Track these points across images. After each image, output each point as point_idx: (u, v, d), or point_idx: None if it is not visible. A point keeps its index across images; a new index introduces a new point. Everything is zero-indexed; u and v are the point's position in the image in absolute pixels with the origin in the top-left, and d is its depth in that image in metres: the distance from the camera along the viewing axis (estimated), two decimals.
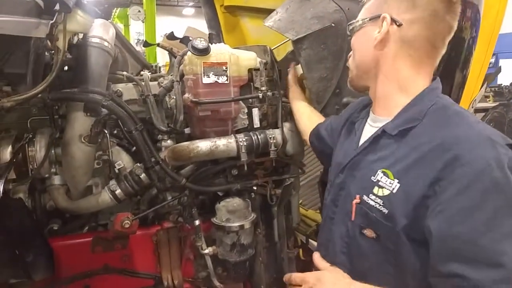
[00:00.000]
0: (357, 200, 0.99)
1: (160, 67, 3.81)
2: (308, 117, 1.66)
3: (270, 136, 1.74)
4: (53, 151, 1.64)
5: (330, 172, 1.25)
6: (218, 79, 1.67)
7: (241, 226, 1.72)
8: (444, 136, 0.85)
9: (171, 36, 5.45)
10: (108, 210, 1.78)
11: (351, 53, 1.12)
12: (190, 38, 5.00)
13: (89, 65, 1.61)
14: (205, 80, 1.65)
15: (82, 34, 1.64)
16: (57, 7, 1.19)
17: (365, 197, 0.97)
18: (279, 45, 2.37)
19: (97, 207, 1.70)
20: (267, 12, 3.42)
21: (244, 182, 1.80)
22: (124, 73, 1.94)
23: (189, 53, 1.68)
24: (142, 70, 2.66)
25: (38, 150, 1.59)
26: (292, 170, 1.93)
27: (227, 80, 1.68)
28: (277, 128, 1.80)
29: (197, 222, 1.74)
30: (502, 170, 0.77)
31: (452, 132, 0.86)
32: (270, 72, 1.82)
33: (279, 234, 1.96)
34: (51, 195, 1.68)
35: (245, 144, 1.69)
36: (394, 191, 0.89)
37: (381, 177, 0.93)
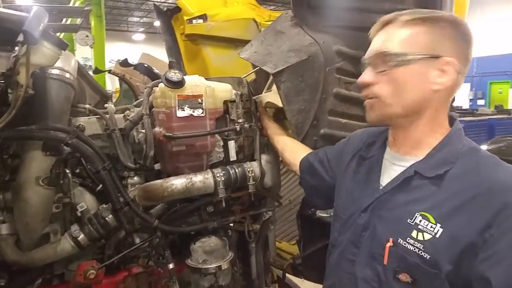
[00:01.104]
0: (390, 244, 0.94)
1: (111, 95, 3.67)
2: (291, 149, 1.61)
3: (248, 169, 1.67)
4: (0, 196, 1.45)
5: (339, 208, 1.18)
6: (194, 112, 1.58)
7: (219, 267, 1.60)
8: (490, 181, 0.84)
9: (124, 63, 5.31)
10: (67, 257, 1.60)
11: (378, 86, 0.99)
12: (145, 65, 4.88)
13: (49, 99, 1.46)
14: (180, 113, 1.56)
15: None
16: (20, 37, 1.06)
17: (401, 241, 0.92)
18: (245, 76, 2.34)
19: (56, 257, 1.52)
20: (228, 41, 3.45)
21: (221, 220, 1.70)
22: (87, 106, 1.81)
23: (161, 85, 1.58)
24: (101, 101, 2.52)
25: None
26: (269, 203, 1.86)
27: (202, 112, 1.60)
28: (254, 160, 1.74)
29: (171, 266, 1.60)
30: None
31: (496, 177, 0.85)
32: (247, 104, 1.76)
33: (257, 271, 1.86)
34: None
35: (222, 179, 1.60)
36: (437, 235, 0.86)
37: (420, 221, 0.90)
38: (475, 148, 0.95)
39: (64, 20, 7.93)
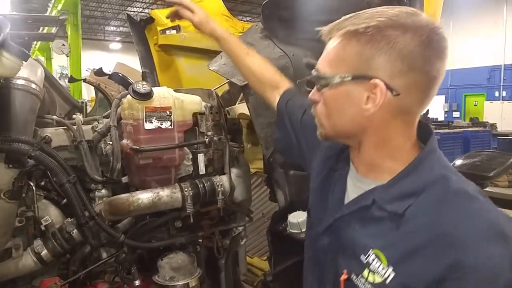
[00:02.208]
0: (344, 276, 0.84)
1: (86, 103, 3.61)
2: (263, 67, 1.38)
3: (217, 183, 1.66)
4: None
5: (310, 211, 1.08)
6: (162, 124, 1.57)
7: (187, 285, 1.57)
8: (445, 225, 0.72)
9: (99, 72, 5.23)
10: (29, 273, 1.55)
11: (319, 105, 0.89)
12: (120, 74, 4.85)
13: (13, 110, 1.43)
14: (147, 125, 1.54)
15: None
16: None
17: (354, 277, 0.82)
18: (218, 87, 2.34)
19: (17, 273, 1.47)
20: (202, 52, 3.46)
21: (189, 235, 1.68)
22: (54, 116, 1.78)
23: (129, 96, 1.56)
24: (71, 111, 2.48)
25: None
26: (239, 218, 1.85)
27: (171, 125, 1.58)
28: (224, 174, 1.72)
29: (137, 283, 1.56)
30: None
31: (454, 220, 0.72)
32: (216, 116, 1.75)
33: None
34: None
35: (191, 193, 1.58)
36: (387, 281, 0.76)
37: (373, 260, 0.79)
38: (446, 177, 0.78)
39: (41, 29, 7.79)
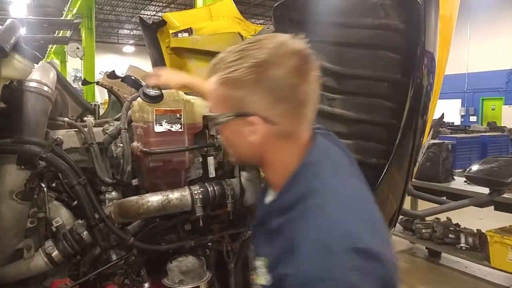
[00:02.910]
0: (252, 277, 0.92)
1: (99, 105, 3.64)
2: None
3: (227, 186, 1.65)
4: None
5: None
6: (172, 127, 1.57)
7: None
8: (291, 237, 0.76)
9: (112, 75, 5.28)
10: (41, 274, 1.56)
11: (221, 137, 1.00)
12: (132, 77, 4.89)
13: (25, 112, 1.44)
14: (157, 128, 1.54)
15: None
16: None
17: (254, 277, 0.90)
18: None
19: (29, 273, 1.48)
20: (214, 55, 3.44)
21: (199, 238, 1.67)
22: (66, 119, 1.79)
23: (139, 99, 1.57)
24: (83, 113, 2.50)
25: None
26: (249, 222, 1.83)
27: (181, 128, 1.58)
28: (234, 177, 1.72)
29: (146, 285, 1.57)
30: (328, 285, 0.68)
31: (295, 234, 0.76)
32: None
33: None
34: None
35: (200, 197, 1.57)
36: (267, 285, 0.82)
37: (260, 265, 0.86)
38: (307, 194, 0.82)
39: (56, 32, 7.95)
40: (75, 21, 6.26)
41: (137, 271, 1.60)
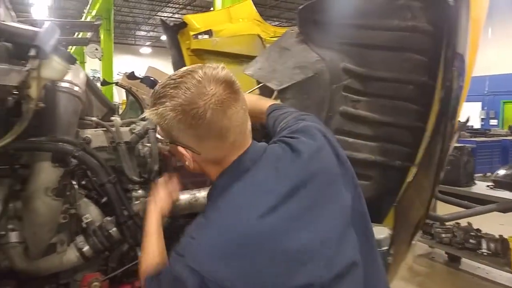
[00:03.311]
0: None
1: (118, 106, 3.70)
2: None
3: None
4: (11, 205, 1.47)
5: None
6: None
7: None
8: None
9: (131, 76, 5.37)
10: (72, 268, 1.61)
11: None
12: (151, 78, 4.93)
13: (58, 112, 1.49)
14: None
15: None
16: (32, 52, 1.09)
17: None
18: (250, 91, 2.36)
19: (61, 267, 1.53)
20: (233, 56, 3.49)
21: None
22: (93, 118, 1.83)
23: None
24: (108, 113, 2.55)
25: None
26: None
27: None
28: None
29: None
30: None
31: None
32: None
33: None
34: (6, 254, 1.49)
35: None
36: None
37: None
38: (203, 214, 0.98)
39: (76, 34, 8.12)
40: (95, 23, 6.37)
41: None
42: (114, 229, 1.58)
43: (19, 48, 1.11)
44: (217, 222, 0.92)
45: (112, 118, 1.87)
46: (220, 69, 0.96)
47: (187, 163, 1.02)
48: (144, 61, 20.04)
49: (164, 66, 7.88)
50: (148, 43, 24.37)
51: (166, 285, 0.95)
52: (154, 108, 0.95)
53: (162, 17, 18.26)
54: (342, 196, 1.02)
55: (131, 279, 1.69)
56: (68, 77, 1.56)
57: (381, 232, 1.41)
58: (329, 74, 1.64)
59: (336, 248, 0.92)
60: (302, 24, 1.73)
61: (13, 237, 1.48)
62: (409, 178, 1.63)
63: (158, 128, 1.09)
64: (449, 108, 1.42)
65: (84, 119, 1.83)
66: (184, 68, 0.98)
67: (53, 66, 1.18)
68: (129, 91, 5.30)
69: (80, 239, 1.55)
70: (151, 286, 1.02)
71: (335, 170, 1.04)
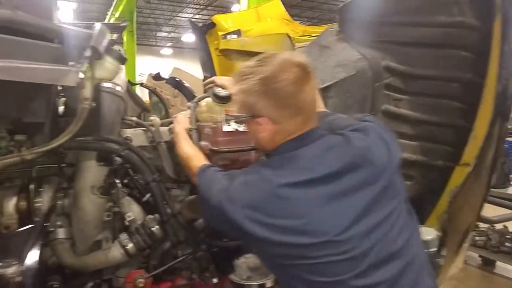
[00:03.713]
0: None
1: None
2: None
3: None
4: (60, 202, 1.50)
5: None
6: (239, 127, 1.60)
7: (263, 285, 1.58)
8: None
9: (157, 77, 5.42)
10: (116, 264, 1.63)
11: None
12: (176, 79, 4.94)
13: (102, 111, 1.51)
14: (226, 128, 1.57)
15: None
16: (87, 53, 1.11)
17: None
18: None
19: (106, 263, 1.55)
20: None
21: None
22: (133, 118, 1.86)
23: (208, 100, 1.61)
24: (141, 113, 2.58)
25: (46, 201, 1.45)
26: None
27: None
28: None
29: (215, 280, 1.60)
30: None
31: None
32: None
33: None
34: (54, 250, 1.52)
35: None
36: None
37: None
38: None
39: None
40: (121, 24, 6.46)
41: (206, 266, 1.64)
42: (157, 227, 1.59)
43: (77, 49, 1.13)
44: (261, 172, 1.09)
45: (151, 117, 1.89)
46: (297, 54, 1.13)
47: (262, 134, 1.13)
48: (165, 62, 20.25)
49: (185, 66, 7.95)
50: (169, 44, 24.61)
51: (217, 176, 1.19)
52: (240, 85, 1.11)
53: (182, 18, 18.42)
54: (375, 194, 1.07)
55: (171, 276, 1.71)
56: None
57: (428, 233, 1.38)
58: (371, 72, 1.62)
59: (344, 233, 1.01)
60: (343, 22, 1.71)
61: (61, 233, 1.51)
62: (458, 182, 1.59)
63: (236, 107, 1.21)
64: (505, 108, 1.37)
65: (125, 119, 1.85)
66: (264, 54, 1.14)
67: (106, 66, 1.20)
68: (153, 92, 5.35)
69: (124, 236, 1.57)
70: (207, 171, 1.25)
71: (381, 171, 1.09)
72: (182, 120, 1.60)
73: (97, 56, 1.12)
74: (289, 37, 3.38)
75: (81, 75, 1.08)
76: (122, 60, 1.25)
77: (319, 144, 1.11)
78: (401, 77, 1.66)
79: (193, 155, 1.41)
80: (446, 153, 1.71)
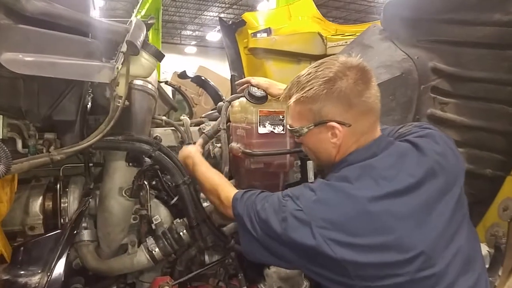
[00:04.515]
0: None
1: None
2: None
3: None
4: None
5: None
6: (274, 129, 1.51)
7: None
8: None
9: (183, 75, 5.40)
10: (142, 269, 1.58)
11: (304, 147, 1.19)
12: (202, 77, 4.90)
13: (133, 110, 1.45)
14: (260, 130, 1.49)
15: None
16: (123, 48, 1.04)
17: None
18: None
19: (132, 268, 1.50)
20: (292, 55, 3.40)
21: None
22: (163, 117, 1.80)
23: (242, 99, 1.53)
24: (169, 111, 2.53)
25: (72, 201, 1.40)
26: None
27: (283, 130, 1.52)
28: None
29: None
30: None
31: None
32: None
33: None
34: (78, 252, 1.47)
35: None
36: None
37: None
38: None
39: None
40: (149, 22, 6.48)
41: (234, 274, 1.56)
42: (185, 231, 1.53)
43: (112, 44, 1.06)
44: (337, 187, 1.00)
45: (181, 117, 1.83)
46: (354, 57, 1.08)
47: (329, 142, 1.06)
48: (189, 60, 20.35)
49: (209, 65, 7.95)
50: (193, 42, 24.74)
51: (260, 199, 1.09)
52: (303, 93, 1.05)
53: (207, 17, 18.48)
54: (454, 203, 1.03)
55: (197, 283, 1.64)
56: None
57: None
58: (417, 74, 1.51)
59: (432, 248, 0.94)
60: (386, 20, 1.60)
61: (86, 235, 1.46)
62: (509, 193, 1.47)
63: (291, 121, 1.14)
64: None
65: (155, 118, 1.80)
66: (318, 61, 1.10)
67: (142, 63, 1.13)
68: (178, 90, 5.35)
69: (150, 241, 1.51)
70: (245, 196, 1.14)
71: (454, 178, 1.06)
72: (189, 149, 1.50)
73: (133, 51, 1.05)
74: (321, 36, 3.28)
75: (117, 72, 1.02)
76: (159, 56, 1.18)
77: (390, 152, 1.05)
78: (449, 79, 1.54)
79: (220, 183, 1.29)
80: (496, 161, 1.58)
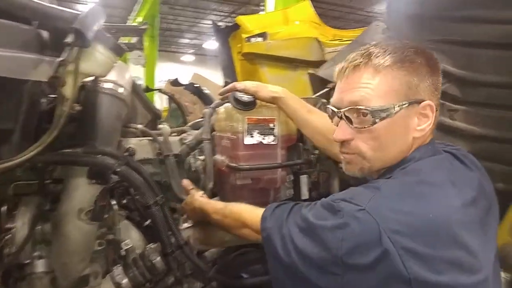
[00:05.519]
0: None
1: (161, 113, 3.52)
2: None
3: None
4: (38, 228, 1.24)
5: None
6: (264, 139, 1.32)
7: None
8: None
9: (175, 83, 5.25)
10: None
11: (358, 141, 0.90)
12: (195, 85, 4.74)
13: (98, 117, 1.24)
14: (247, 140, 1.30)
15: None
16: (69, 38, 0.83)
17: None
18: (320, 94, 2.09)
19: None
20: (288, 61, 3.23)
21: None
22: (139, 126, 1.59)
23: (228, 105, 1.33)
24: (152, 120, 2.33)
25: (20, 227, 1.18)
26: None
27: (274, 140, 1.33)
28: None
29: None
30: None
31: None
32: None
33: None
34: (31, 286, 1.25)
35: None
36: None
37: None
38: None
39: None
40: (141, 27, 6.34)
41: None
42: (158, 259, 1.31)
43: (55, 34, 0.86)
44: (416, 189, 0.80)
45: (160, 126, 1.63)
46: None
47: (422, 126, 0.87)
48: (186, 69, 20.23)
49: (206, 73, 7.82)
50: (190, 51, 24.64)
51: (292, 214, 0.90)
52: (399, 59, 0.86)
53: (205, 25, 18.42)
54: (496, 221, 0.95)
55: None
56: (111, 76, 1.32)
57: None
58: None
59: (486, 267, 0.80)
60: (389, 18, 1.43)
61: (40, 266, 1.24)
62: None
63: (369, 97, 0.87)
64: None
65: (128, 127, 1.59)
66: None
67: (95, 58, 0.92)
68: (172, 98, 5.22)
69: (118, 271, 1.29)
70: (276, 213, 0.95)
71: (492, 193, 0.96)
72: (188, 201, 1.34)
73: (81, 43, 0.84)
74: (319, 41, 3.13)
75: (58, 68, 0.81)
76: (118, 51, 0.98)
77: (447, 157, 0.92)
78: (459, 84, 1.38)
79: (240, 209, 1.14)
80: (508, 175, 1.42)
